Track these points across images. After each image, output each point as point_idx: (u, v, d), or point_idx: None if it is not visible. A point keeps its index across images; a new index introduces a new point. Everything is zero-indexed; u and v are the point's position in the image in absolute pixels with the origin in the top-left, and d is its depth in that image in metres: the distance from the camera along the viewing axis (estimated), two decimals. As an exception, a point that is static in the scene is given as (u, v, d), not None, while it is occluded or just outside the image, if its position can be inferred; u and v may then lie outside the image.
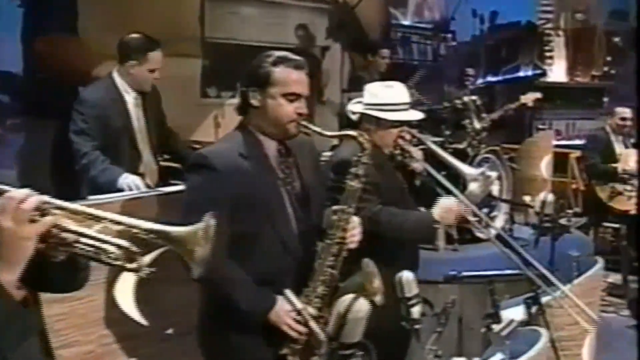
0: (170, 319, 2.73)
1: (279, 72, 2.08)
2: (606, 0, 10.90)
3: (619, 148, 5.69)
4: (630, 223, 5.50)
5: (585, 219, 5.80)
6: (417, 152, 2.79)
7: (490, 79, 9.44)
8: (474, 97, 4.94)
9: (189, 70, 5.74)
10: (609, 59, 10.90)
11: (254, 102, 2.12)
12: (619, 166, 5.50)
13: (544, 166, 6.19)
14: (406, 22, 8.86)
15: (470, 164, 4.62)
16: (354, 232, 2.11)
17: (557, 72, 10.09)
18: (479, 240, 4.57)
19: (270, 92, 2.08)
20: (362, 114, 2.79)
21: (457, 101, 4.91)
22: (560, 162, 6.73)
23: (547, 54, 9.96)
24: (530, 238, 5.02)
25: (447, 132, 4.94)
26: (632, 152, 5.67)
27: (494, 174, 3.04)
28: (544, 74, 9.79)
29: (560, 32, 10.07)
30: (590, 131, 7.01)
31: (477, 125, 4.89)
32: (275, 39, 6.21)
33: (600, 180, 5.55)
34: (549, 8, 10.02)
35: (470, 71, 6.91)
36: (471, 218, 2.69)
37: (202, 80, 5.79)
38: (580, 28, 10.27)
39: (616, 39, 10.92)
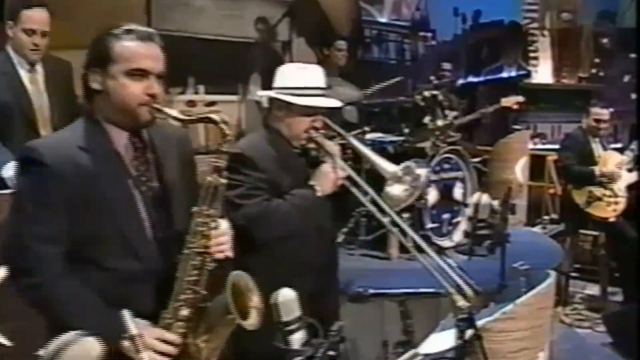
0: (42, 338, 2.30)
1: (119, 46, 1.68)
2: (594, 0, 10.55)
3: (597, 150, 5.26)
4: (610, 231, 5.08)
5: (562, 227, 5.36)
6: (333, 147, 2.37)
7: (471, 79, 9.05)
8: (435, 92, 4.52)
9: (135, 64, 5.34)
10: (597, 60, 10.52)
11: (95, 85, 1.72)
12: (597, 169, 5.07)
13: (519, 169, 5.76)
14: (383, 20, 8.47)
15: (428, 164, 4.21)
16: (221, 239, 1.69)
17: (543, 73, 9.69)
18: (440, 248, 4.15)
19: (111, 71, 1.68)
20: (273, 100, 2.38)
21: (418, 97, 4.49)
22: (538, 166, 6.31)
23: (532, 54, 9.56)
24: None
25: (406, 130, 4.52)
26: (612, 154, 5.26)
27: (423, 172, 2.57)
28: (528, 75, 9.37)
29: (546, 32, 9.68)
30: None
31: (440, 122, 4.46)
32: (231, 32, 5.81)
33: (577, 183, 5.12)
34: (534, 7, 9.63)
35: (447, 66, 6.51)
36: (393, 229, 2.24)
37: (148, 75, 5.39)
38: (567, 28, 9.88)
39: (604, 40, 10.56)
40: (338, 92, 4.17)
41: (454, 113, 4.49)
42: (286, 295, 1.63)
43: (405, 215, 3.57)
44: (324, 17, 6.55)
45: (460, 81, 9.07)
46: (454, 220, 4.50)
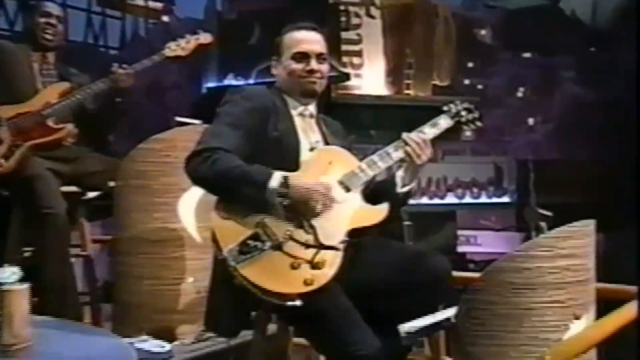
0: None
1: None
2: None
3: (311, 137, 1.60)
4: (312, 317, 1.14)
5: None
6: None
7: (232, 82, 5.17)
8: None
9: None
10: (470, 65, 6.84)
11: None
12: (279, 175, 1.35)
13: (186, 207, 2.00)
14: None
15: None
16: None
17: (370, 78, 5.92)
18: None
19: None
20: None
21: None
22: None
23: (349, 47, 5.81)
24: None
25: None
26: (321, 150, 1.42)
27: None
28: (342, 79, 5.57)
29: (375, 12, 5.95)
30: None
31: None
32: None
33: (233, 202, 1.41)
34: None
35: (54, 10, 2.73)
36: None
37: None
38: (409, 5, 6.20)
39: (482, 32, 6.93)
40: None
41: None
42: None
43: None
44: None
45: (210, 85, 5.21)
46: None
